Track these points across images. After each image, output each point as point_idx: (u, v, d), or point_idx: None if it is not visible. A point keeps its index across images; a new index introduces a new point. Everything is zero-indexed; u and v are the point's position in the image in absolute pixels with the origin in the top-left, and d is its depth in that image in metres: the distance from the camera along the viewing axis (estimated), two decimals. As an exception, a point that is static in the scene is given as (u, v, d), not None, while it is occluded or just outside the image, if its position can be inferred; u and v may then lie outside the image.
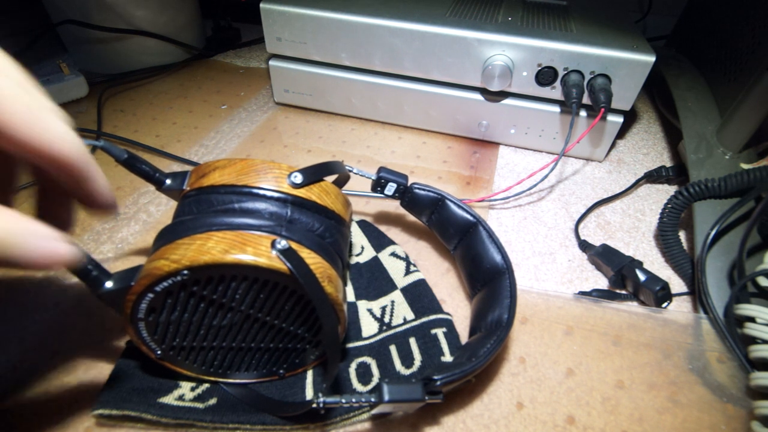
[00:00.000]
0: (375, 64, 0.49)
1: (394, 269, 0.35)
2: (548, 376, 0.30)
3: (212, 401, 0.26)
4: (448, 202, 0.34)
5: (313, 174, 0.26)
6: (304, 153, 0.50)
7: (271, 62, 0.54)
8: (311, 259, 0.23)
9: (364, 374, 0.28)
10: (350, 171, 0.32)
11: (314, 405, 0.21)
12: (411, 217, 0.42)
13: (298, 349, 0.26)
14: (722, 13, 0.51)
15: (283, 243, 0.21)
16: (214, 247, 0.21)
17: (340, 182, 0.32)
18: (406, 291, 0.33)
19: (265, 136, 0.53)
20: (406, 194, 0.35)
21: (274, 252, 0.21)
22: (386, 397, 0.22)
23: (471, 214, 0.33)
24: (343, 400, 0.22)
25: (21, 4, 0.83)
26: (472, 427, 0.27)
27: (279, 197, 0.24)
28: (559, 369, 0.30)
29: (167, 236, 0.22)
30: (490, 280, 0.30)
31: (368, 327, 0.31)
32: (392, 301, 0.32)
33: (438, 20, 0.46)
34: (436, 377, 0.23)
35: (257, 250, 0.21)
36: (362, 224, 0.39)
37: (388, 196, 0.35)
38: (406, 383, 0.23)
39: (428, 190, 0.34)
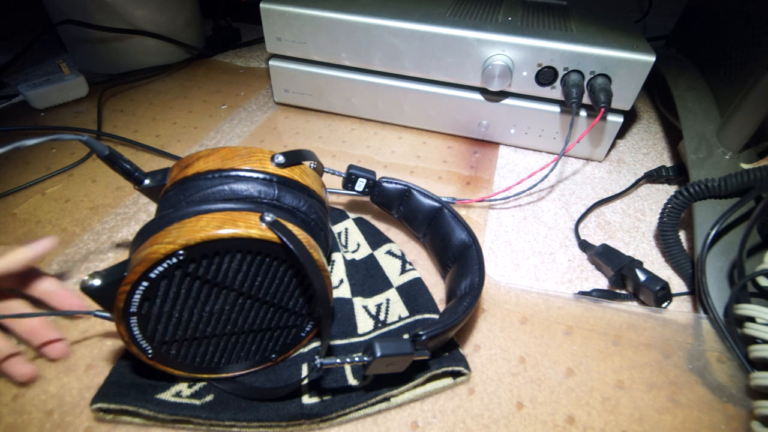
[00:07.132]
0: (375, 64, 0.49)
1: (390, 267, 0.35)
2: (548, 376, 0.30)
3: (209, 398, 0.26)
4: (415, 192, 0.36)
5: (293, 157, 0.27)
6: (304, 153, 0.50)
7: (271, 62, 0.54)
8: (296, 230, 0.24)
9: (358, 369, 0.28)
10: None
11: (314, 366, 0.22)
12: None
13: (289, 326, 0.27)
14: (722, 13, 0.52)
15: (271, 215, 0.23)
16: (207, 225, 0.22)
17: (318, 173, 0.33)
18: (402, 289, 0.33)
19: (265, 136, 0.53)
20: (375, 188, 0.36)
21: (263, 224, 0.23)
22: (378, 353, 0.23)
23: (436, 200, 0.35)
24: (338, 360, 0.23)
25: (21, 4, 0.83)
26: (472, 427, 0.27)
27: (265, 177, 0.26)
28: (559, 369, 0.30)
29: (153, 228, 0.23)
30: (459, 255, 0.33)
31: (364, 324, 0.31)
32: (387, 299, 0.33)
33: (438, 20, 0.46)
34: (421, 332, 0.24)
35: (248, 224, 0.22)
36: (359, 221, 0.39)
37: (359, 192, 0.37)
38: (395, 340, 0.24)
39: (396, 183, 0.36)
